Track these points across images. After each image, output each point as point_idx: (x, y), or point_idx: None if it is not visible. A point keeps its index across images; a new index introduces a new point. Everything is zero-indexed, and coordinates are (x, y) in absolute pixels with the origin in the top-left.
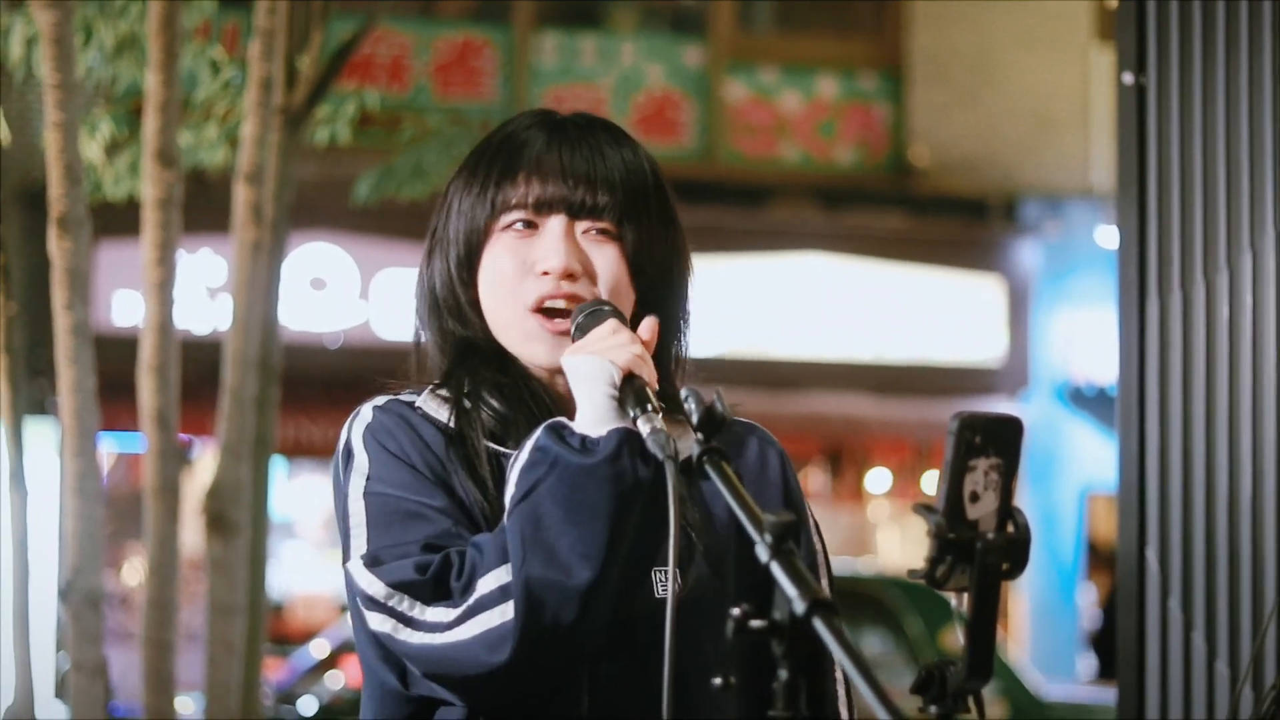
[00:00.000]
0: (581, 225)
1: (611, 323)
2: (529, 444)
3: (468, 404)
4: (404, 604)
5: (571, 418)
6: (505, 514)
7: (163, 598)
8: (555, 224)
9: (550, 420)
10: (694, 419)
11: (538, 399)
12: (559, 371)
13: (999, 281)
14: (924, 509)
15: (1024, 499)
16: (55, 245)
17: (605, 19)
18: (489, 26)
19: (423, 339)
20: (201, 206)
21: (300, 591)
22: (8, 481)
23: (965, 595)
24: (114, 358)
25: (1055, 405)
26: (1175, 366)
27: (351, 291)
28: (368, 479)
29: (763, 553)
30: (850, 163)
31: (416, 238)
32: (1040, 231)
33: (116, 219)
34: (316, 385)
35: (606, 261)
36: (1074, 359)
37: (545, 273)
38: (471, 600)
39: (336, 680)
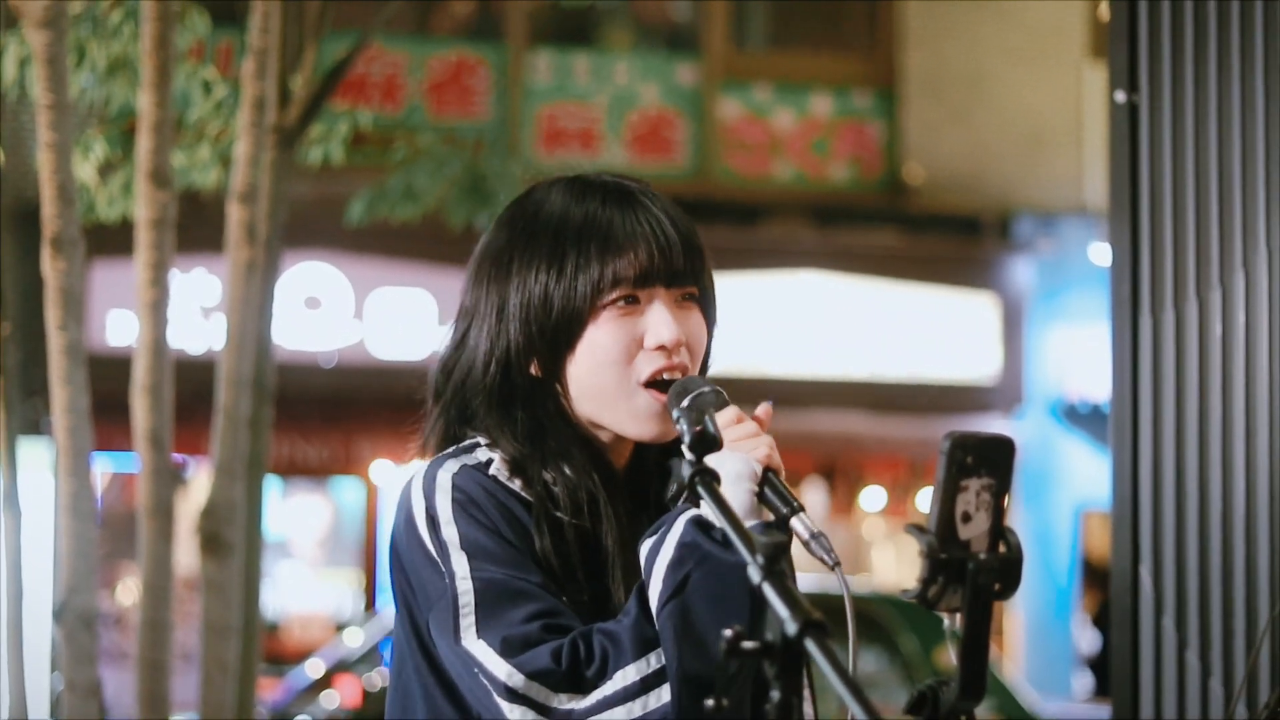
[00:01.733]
0: (674, 294)
1: (732, 411)
2: (672, 540)
3: (549, 476)
4: (542, 694)
5: (635, 487)
6: (655, 608)
7: (157, 618)
8: (660, 297)
9: (690, 514)
10: (686, 439)
11: (612, 472)
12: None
13: (993, 299)
14: (916, 529)
15: (1018, 516)
16: (49, 265)
17: (599, 38)
18: (483, 45)
19: (463, 398)
20: (195, 226)
21: (295, 611)
22: (2, 502)
23: (958, 615)
24: (108, 377)
25: (1049, 422)
26: (1168, 384)
27: (346, 311)
28: (469, 556)
29: (754, 574)
30: (844, 180)
31: (410, 257)
32: (1034, 249)
33: (110, 239)
34: (311, 404)
35: (697, 327)
36: (1068, 376)
37: (660, 347)
38: (607, 691)
39: (331, 700)
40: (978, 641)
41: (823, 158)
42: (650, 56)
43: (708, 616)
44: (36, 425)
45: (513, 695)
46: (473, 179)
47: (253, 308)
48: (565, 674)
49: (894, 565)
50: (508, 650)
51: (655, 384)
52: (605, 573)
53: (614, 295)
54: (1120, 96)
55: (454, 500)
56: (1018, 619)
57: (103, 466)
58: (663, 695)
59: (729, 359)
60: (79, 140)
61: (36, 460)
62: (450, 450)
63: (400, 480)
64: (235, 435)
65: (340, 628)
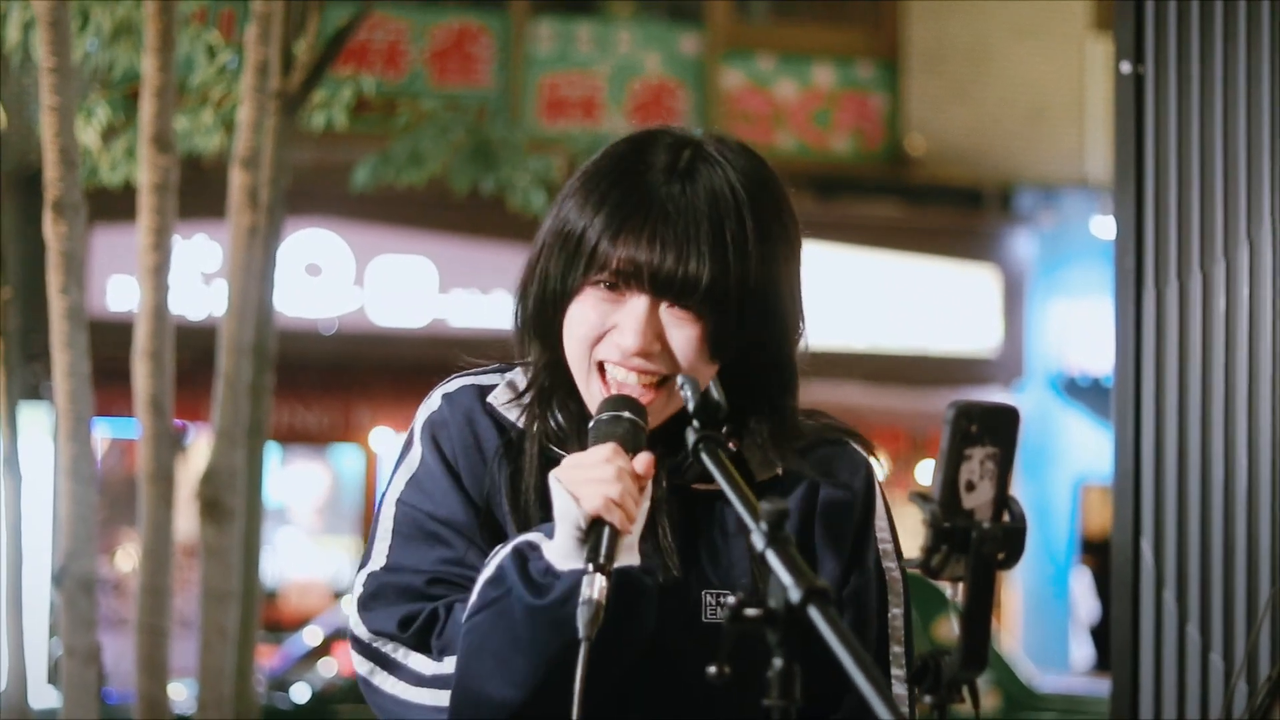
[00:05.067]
0: (665, 303)
1: (607, 450)
2: (498, 556)
3: (539, 410)
4: (387, 646)
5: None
6: (465, 615)
7: (156, 584)
8: (638, 303)
9: (523, 538)
10: (690, 406)
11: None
12: None
13: (994, 271)
14: (920, 498)
15: (1018, 490)
16: (51, 230)
17: (602, 6)
18: (485, 13)
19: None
20: (197, 191)
21: (294, 578)
22: (2, 466)
23: (960, 585)
24: (109, 343)
25: (1050, 396)
26: (1171, 358)
27: (346, 278)
28: (408, 484)
29: (758, 540)
30: (846, 151)
31: (411, 224)
32: (1035, 221)
33: (112, 204)
34: (311, 371)
35: (684, 341)
36: (1068, 349)
37: (617, 344)
38: (445, 670)
39: (329, 667)
40: (980, 611)
41: (825, 129)
42: (653, 26)
43: (498, 644)
44: (37, 390)
45: (357, 644)
46: (476, 145)
47: (254, 274)
48: (412, 639)
49: None
50: (373, 596)
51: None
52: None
53: (599, 278)
54: (1125, 67)
55: (429, 420)
56: (1016, 592)
57: (103, 432)
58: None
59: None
60: (82, 104)
61: (37, 425)
62: (484, 368)
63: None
64: (236, 401)
65: (338, 595)
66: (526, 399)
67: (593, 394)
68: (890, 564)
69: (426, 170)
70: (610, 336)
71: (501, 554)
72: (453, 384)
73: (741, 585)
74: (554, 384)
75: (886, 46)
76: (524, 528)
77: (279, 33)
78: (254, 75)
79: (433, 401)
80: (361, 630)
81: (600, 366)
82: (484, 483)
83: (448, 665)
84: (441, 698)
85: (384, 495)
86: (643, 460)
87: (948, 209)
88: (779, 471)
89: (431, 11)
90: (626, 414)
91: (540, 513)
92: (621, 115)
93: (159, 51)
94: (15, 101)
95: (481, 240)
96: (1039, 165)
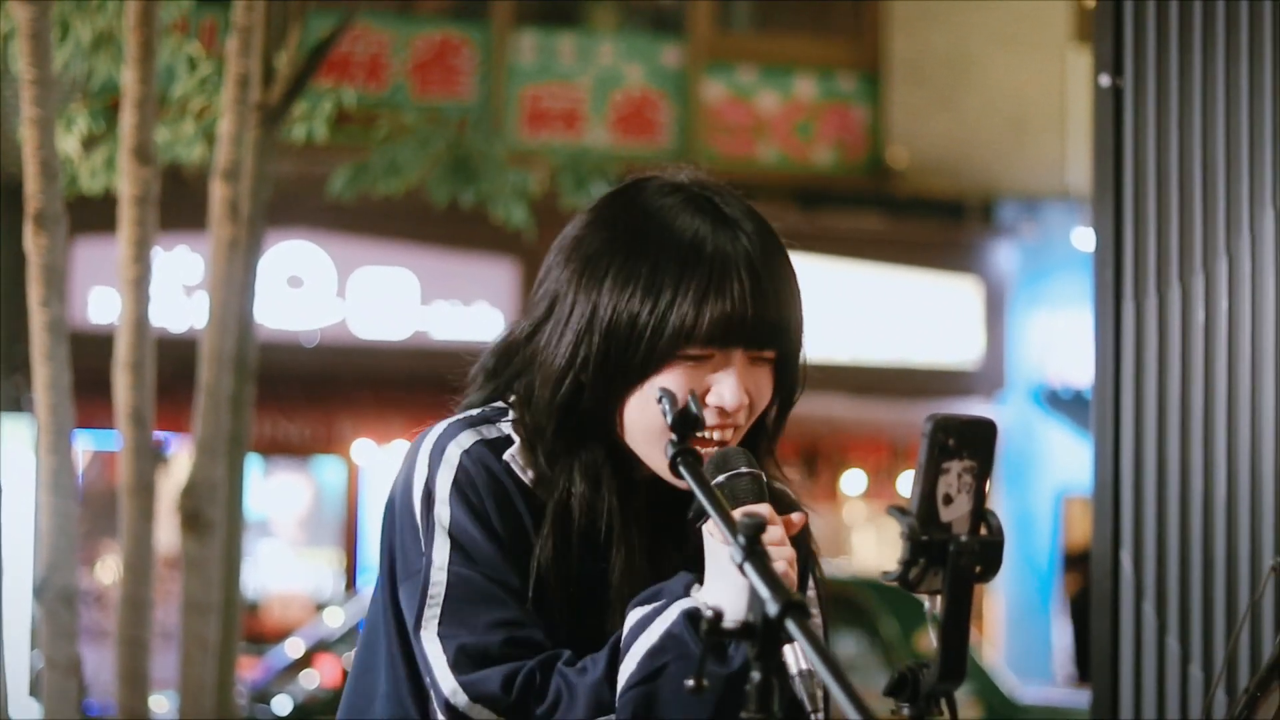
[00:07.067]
0: (751, 354)
1: (766, 509)
2: (660, 625)
3: (570, 486)
4: (484, 715)
5: (658, 498)
6: (621, 686)
7: (137, 596)
8: (736, 361)
9: (686, 605)
10: (668, 419)
11: (629, 496)
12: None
13: (975, 283)
14: (898, 511)
15: (999, 501)
16: (31, 241)
17: (584, 18)
18: (467, 25)
19: (522, 389)
20: (178, 203)
21: (275, 590)
22: None
23: (938, 598)
24: (90, 354)
25: (1031, 407)
26: (1150, 369)
27: (328, 290)
28: (451, 547)
29: (736, 554)
30: (828, 163)
31: (393, 236)
32: (1017, 233)
33: (93, 215)
34: (293, 383)
35: (763, 389)
36: (1050, 361)
37: (719, 407)
38: None
39: (311, 679)
40: (958, 623)
41: (807, 140)
42: (635, 37)
43: (671, 711)
44: (18, 402)
45: (453, 713)
46: (456, 158)
47: (235, 286)
48: (513, 705)
49: (875, 549)
50: (460, 663)
51: (699, 438)
52: (605, 599)
53: (693, 350)
54: (1105, 80)
55: (455, 480)
56: (998, 604)
57: (84, 444)
58: None
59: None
60: (62, 113)
61: (17, 437)
62: (474, 415)
63: (397, 450)
64: (217, 413)
65: (320, 607)
66: (556, 470)
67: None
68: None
69: (404, 180)
70: (706, 400)
71: (664, 624)
72: (462, 438)
73: None
74: (585, 454)
75: (868, 58)
76: (561, 595)
77: (260, 45)
78: (235, 87)
79: (450, 458)
80: (460, 698)
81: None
82: (521, 542)
83: None
84: None
85: (427, 562)
86: (796, 519)
87: (929, 221)
88: None
89: (413, 23)
90: (745, 471)
91: (579, 567)
92: (603, 127)
93: (139, 62)
94: None
95: (463, 252)
96: (1020, 177)
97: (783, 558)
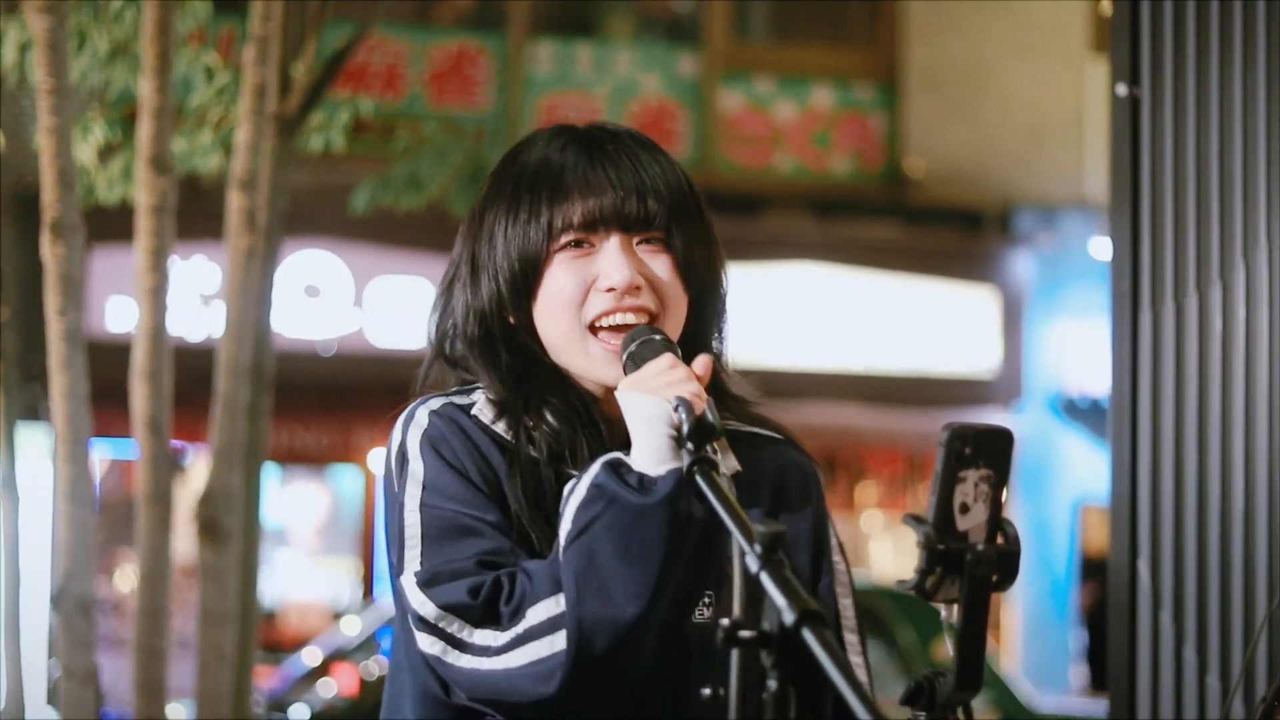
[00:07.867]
0: (635, 238)
1: (667, 358)
2: (585, 480)
3: (529, 422)
4: (454, 626)
5: (626, 438)
6: (560, 547)
7: (154, 604)
8: (613, 241)
9: (607, 457)
10: (685, 429)
11: (594, 421)
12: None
13: (993, 292)
14: (914, 520)
15: (1016, 510)
16: (48, 251)
17: (601, 28)
18: (484, 35)
19: (452, 348)
20: (195, 213)
21: (292, 599)
22: (0, 487)
23: (955, 607)
24: (107, 364)
25: (1048, 416)
26: (1168, 378)
27: (345, 299)
28: (424, 489)
29: (752, 563)
30: (845, 173)
31: (410, 245)
32: (1034, 243)
33: (110, 225)
34: (309, 393)
35: (662, 271)
36: (1067, 370)
37: (610, 289)
38: (520, 628)
39: (328, 688)
40: (975, 632)
41: (824, 150)
42: (652, 47)
43: (611, 558)
44: (35, 411)
45: (423, 624)
46: (474, 168)
47: (252, 295)
48: (480, 608)
49: (892, 558)
50: (430, 581)
51: (604, 328)
52: None
53: (563, 240)
54: (1122, 90)
55: (424, 435)
56: (1015, 613)
57: (101, 453)
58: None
59: (729, 350)
60: (79, 124)
61: (35, 446)
62: (450, 390)
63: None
64: (234, 423)
65: (337, 616)
66: (511, 413)
67: (593, 357)
68: (838, 558)
69: (425, 195)
70: (594, 289)
71: (589, 477)
72: (433, 403)
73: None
74: (534, 390)
75: (885, 68)
76: (548, 531)
77: (277, 54)
78: (252, 97)
79: (419, 419)
80: (428, 609)
81: (592, 328)
82: (494, 483)
83: (522, 624)
84: (524, 654)
85: (399, 508)
86: (702, 362)
87: (946, 230)
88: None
89: (430, 33)
90: (657, 336)
91: (555, 504)
92: None
93: (157, 72)
94: (13, 122)
95: None
96: (1038, 186)
97: (686, 387)
